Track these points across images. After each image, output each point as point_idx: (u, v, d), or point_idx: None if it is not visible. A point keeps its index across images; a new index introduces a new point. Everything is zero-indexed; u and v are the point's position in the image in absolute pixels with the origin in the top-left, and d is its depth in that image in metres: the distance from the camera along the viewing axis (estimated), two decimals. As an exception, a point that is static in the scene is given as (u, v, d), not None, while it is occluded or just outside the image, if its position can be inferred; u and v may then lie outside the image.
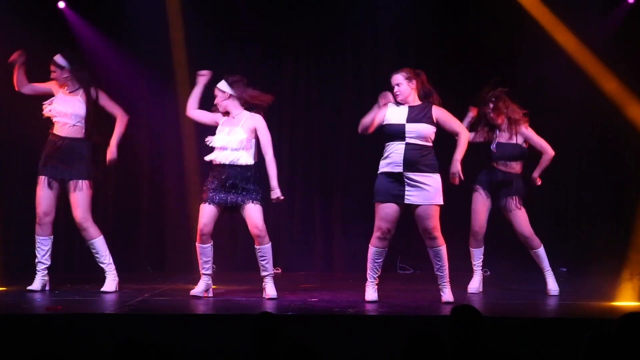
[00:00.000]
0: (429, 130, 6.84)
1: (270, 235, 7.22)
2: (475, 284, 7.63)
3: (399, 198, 6.81)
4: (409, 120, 6.84)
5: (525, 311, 6.84)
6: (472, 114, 7.62)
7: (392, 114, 6.92)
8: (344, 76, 9.33)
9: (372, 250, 6.96)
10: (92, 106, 7.52)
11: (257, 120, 7.17)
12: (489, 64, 8.80)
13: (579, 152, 9.10)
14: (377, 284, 7.01)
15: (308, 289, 7.82)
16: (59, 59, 7.57)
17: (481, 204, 7.57)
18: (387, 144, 6.90)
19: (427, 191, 6.79)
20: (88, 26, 9.04)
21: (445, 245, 6.88)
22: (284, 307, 6.72)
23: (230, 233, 9.01)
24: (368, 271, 6.98)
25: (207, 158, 7.22)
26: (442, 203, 6.85)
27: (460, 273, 7.61)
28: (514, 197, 7.51)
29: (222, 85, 7.22)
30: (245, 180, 7.12)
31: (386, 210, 6.85)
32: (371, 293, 6.97)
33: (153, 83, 9.19)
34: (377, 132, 7.01)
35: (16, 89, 7.61)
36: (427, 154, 6.83)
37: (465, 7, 9.09)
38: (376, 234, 6.92)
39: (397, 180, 6.80)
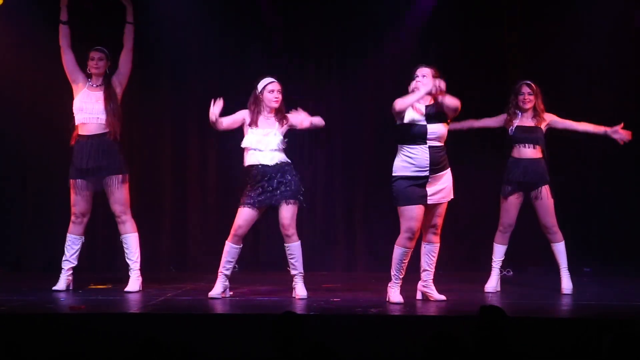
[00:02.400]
0: (445, 130, 6.85)
1: (293, 235, 7.22)
2: (492, 283, 7.58)
3: (423, 199, 6.79)
4: (428, 119, 6.80)
5: (546, 311, 6.81)
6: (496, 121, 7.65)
7: (409, 112, 6.82)
8: (366, 76, 9.31)
9: (400, 250, 6.86)
10: (114, 100, 7.45)
11: (288, 120, 7.23)
12: (512, 67, 8.80)
13: (603, 149, 9.04)
14: (400, 285, 6.96)
15: (330, 288, 7.82)
16: (104, 49, 7.53)
17: (511, 200, 7.54)
18: (409, 147, 6.79)
19: (445, 189, 6.85)
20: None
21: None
22: (306, 306, 6.72)
23: (253, 233, 9.02)
24: (393, 272, 6.90)
25: (248, 163, 7.17)
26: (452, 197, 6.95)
27: (472, 273, 7.59)
28: (545, 186, 7.49)
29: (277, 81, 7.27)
30: (283, 173, 7.13)
31: (416, 211, 6.78)
32: (397, 295, 6.90)
33: (176, 81, 9.22)
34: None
35: (60, 41, 7.48)
36: (444, 154, 6.85)
37: (487, 13, 9.09)
38: (406, 234, 6.82)
39: (419, 181, 6.78)
